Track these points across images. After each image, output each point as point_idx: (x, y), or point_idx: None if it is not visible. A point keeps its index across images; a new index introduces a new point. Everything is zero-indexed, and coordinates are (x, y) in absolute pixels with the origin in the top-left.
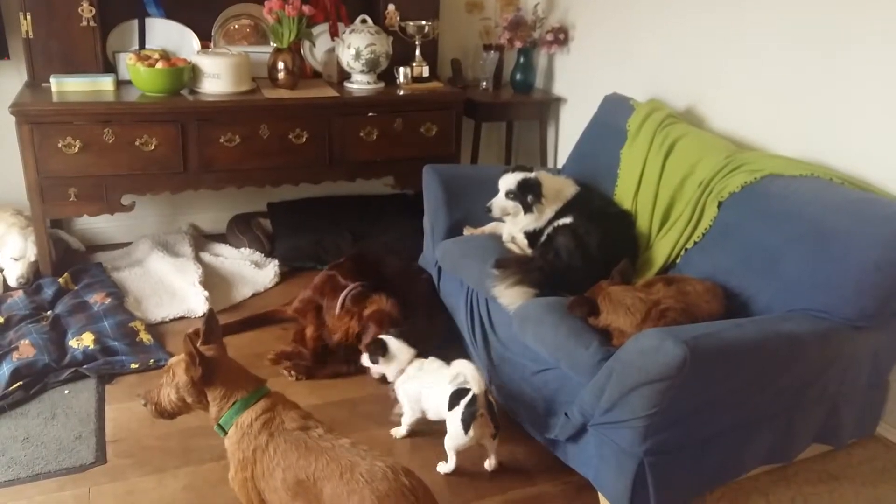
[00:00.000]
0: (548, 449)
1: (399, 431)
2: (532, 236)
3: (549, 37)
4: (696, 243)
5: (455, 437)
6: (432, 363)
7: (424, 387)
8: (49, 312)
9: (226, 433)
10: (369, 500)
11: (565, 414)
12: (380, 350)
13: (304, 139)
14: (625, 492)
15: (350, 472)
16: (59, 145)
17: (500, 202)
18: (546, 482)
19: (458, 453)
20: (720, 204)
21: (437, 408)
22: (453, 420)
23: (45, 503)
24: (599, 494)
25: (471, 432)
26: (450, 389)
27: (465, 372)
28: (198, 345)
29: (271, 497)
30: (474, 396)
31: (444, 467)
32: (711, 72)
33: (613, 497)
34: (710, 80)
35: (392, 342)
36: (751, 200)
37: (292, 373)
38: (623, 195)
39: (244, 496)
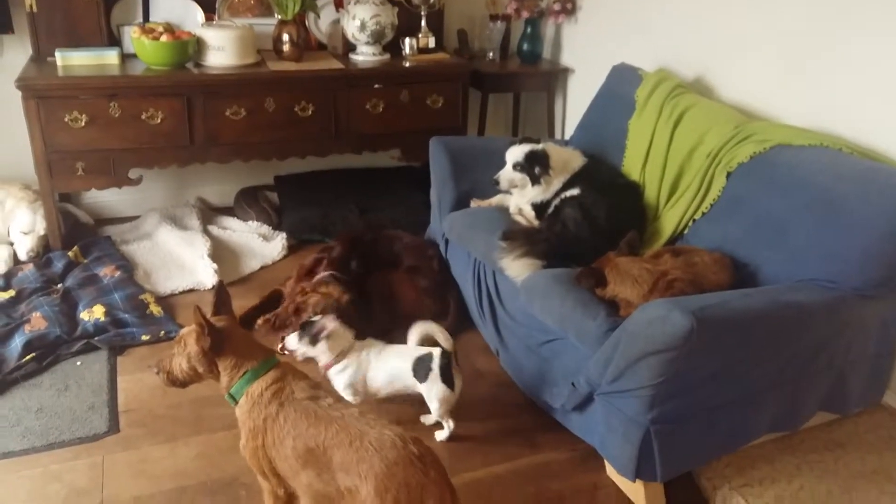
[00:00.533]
0: (554, 418)
1: None
2: (539, 208)
3: (557, 6)
4: (704, 214)
5: (442, 399)
6: (382, 345)
7: (371, 369)
8: (59, 285)
9: (236, 402)
10: (378, 467)
11: (572, 384)
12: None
13: (310, 112)
14: (631, 459)
15: (359, 440)
16: (66, 119)
17: (507, 174)
18: (552, 450)
19: (451, 413)
20: (728, 174)
21: (392, 383)
22: (433, 384)
23: (59, 471)
24: (606, 462)
25: (456, 385)
26: (410, 361)
27: (428, 330)
28: (208, 315)
29: (282, 465)
30: (444, 350)
31: (442, 434)
32: (721, 41)
33: (620, 464)
34: (719, 50)
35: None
36: (759, 170)
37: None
38: (631, 166)
39: (255, 464)
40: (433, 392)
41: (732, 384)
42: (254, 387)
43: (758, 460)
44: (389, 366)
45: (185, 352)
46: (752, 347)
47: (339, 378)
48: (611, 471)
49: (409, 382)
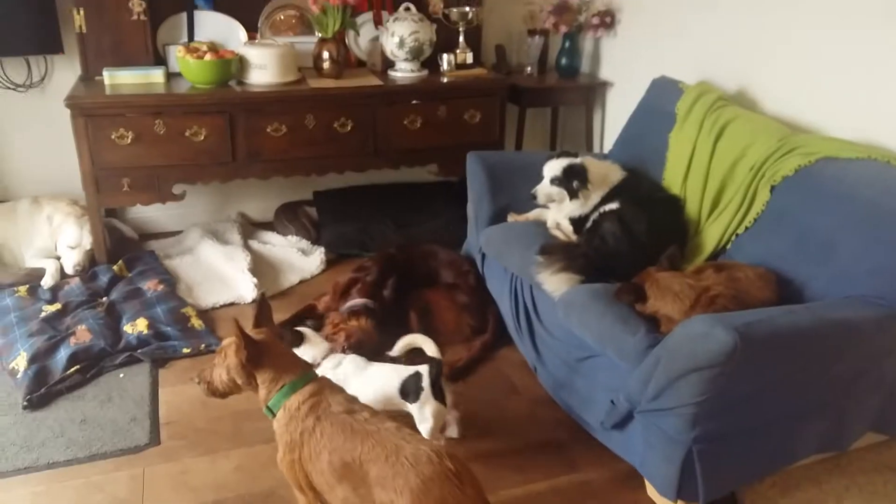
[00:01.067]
0: (594, 436)
1: None
2: (578, 222)
3: (595, 20)
4: (747, 229)
5: (436, 415)
6: (364, 362)
7: (350, 386)
8: (104, 299)
9: (274, 416)
10: (414, 482)
11: (611, 401)
12: (297, 339)
13: (349, 128)
14: (672, 479)
15: (395, 455)
16: (113, 137)
17: (545, 188)
18: (592, 469)
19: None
20: (773, 188)
21: (375, 403)
22: (426, 402)
23: (101, 483)
24: (646, 482)
25: (447, 398)
26: (397, 382)
27: (413, 342)
28: (249, 328)
29: (318, 479)
30: (434, 360)
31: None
32: (763, 52)
33: (661, 485)
34: (761, 61)
35: (309, 333)
36: (805, 184)
37: None
38: (672, 180)
39: (292, 477)
40: (426, 411)
41: (777, 403)
42: (291, 400)
43: (804, 481)
44: (375, 387)
45: (224, 363)
46: (797, 365)
47: None
48: (651, 491)
49: (397, 402)
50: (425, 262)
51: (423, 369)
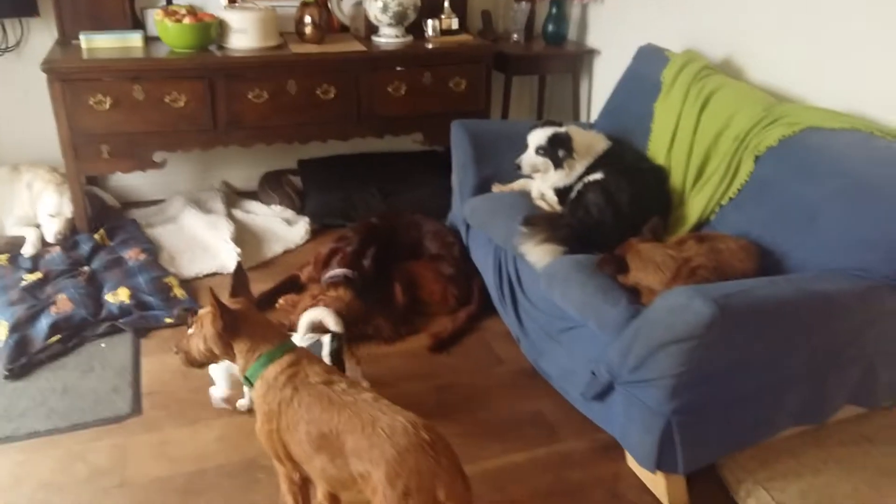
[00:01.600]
0: (575, 407)
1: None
2: (562, 193)
3: None
4: (731, 199)
5: None
6: None
7: None
8: (86, 268)
9: (252, 386)
10: (389, 453)
11: (592, 372)
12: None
13: (332, 95)
14: (651, 450)
15: (371, 426)
16: (90, 102)
17: (529, 158)
18: (573, 439)
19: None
20: (757, 158)
21: None
22: None
23: (82, 452)
24: (626, 453)
25: (348, 369)
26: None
27: (317, 316)
28: (225, 298)
29: (295, 449)
30: (335, 334)
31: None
32: (750, 21)
33: (640, 456)
34: (748, 30)
35: None
36: (788, 154)
37: None
38: (656, 150)
39: (270, 448)
40: None
41: (756, 375)
42: (269, 370)
43: (783, 453)
44: None
45: (201, 333)
46: (777, 337)
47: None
48: (631, 462)
49: None
50: (409, 233)
51: (325, 338)
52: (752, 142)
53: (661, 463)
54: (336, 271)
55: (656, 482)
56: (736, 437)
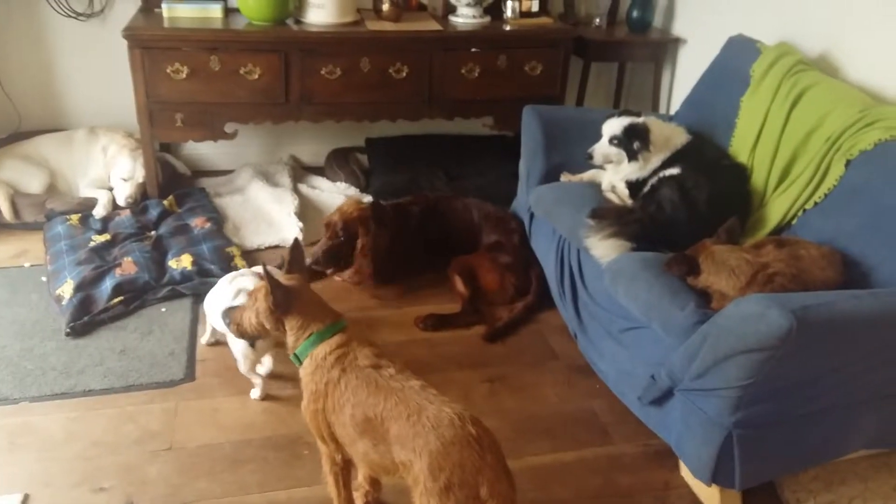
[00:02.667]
0: (630, 410)
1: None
2: (634, 186)
3: None
4: (816, 204)
5: (244, 354)
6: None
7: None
8: (153, 233)
9: (301, 364)
10: (434, 444)
11: (652, 376)
12: None
13: (404, 74)
14: (708, 463)
15: (417, 415)
16: (168, 70)
17: (602, 148)
18: (624, 442)
19: (263, 376)
20: (848, 162)
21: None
22: (234, 339)
23: (134, 413)
24: (681, 462)
25: (258, 343)
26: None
27: (247, 283)
28: (281, 273)
29: (340, 431)
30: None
31: (254, 392)
32: (850, 15)
33: (695, 467)
34: (849, 24)
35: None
36: (884, 160)
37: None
38: (739, 147)
39: (315, 427)
40: (236, 346)
41: (829, 392)
42: (318, 349)
43: (849, 476)
44: (211, 300)
45: (254, 307)
46: (855, 354)
47: None
48: (685, 472)
49: (222, 330)
50: (469, 214)
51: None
52: (845, 144)
53: (718, 476)
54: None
55: (710, 495)
56: (800, 455)
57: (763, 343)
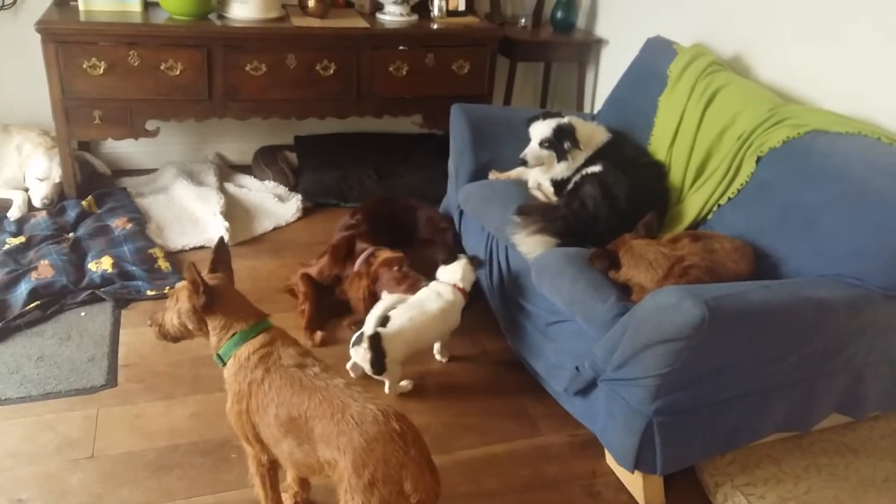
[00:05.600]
0: (557, 401)
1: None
2: (559, 184)
3: None
4: (730, 199)
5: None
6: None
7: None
8: (70, 234)
9: (224, 364)
10: (357, 441)
11: (576, 368)
12: None
13: (332, 71)
14: (631, 450)
15: (341, 412)
16: (84, 66)
17: (534, 152)
18: (552, 433)
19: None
20: (759, 159)
21: None
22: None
23: (53, 422)
24: (606, 450)
25: (352, 353)
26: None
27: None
28: (204, 273)
29: (265, 432)
30: (361, 333)
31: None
32: (761, 17)
33: (619, 454)
34: (759, 26)
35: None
36: (791, 157)
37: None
38: (658, 145)
39: (239, 428)
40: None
41: (743, 379)
42: (242, 349)
43: (764, 459)
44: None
45: (176, 307)
46: (766, 342)
47: None
48: (610, 460)
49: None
50: (405, 216)
51: (365, 339)
52: (756, 142)
53: (640, 463)
54: (365, 251)
55: (634, 482)
56: (718, 441)
57: (678, 333)
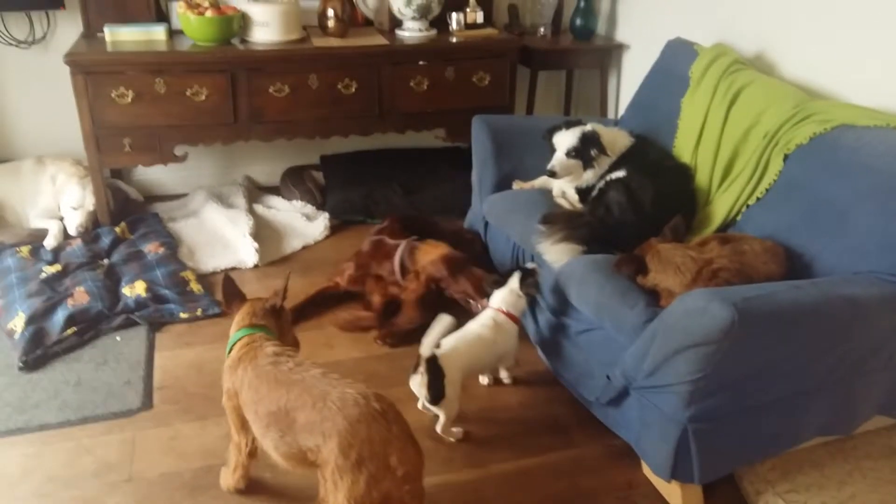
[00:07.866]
0: (591, 412)
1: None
2: (583, 191)
3: None
4: (758, 199)
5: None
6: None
7: None
8: (105, 261)
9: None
10: (341, 424)
11: (607, 376)
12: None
13: (354, 89)
14: (667, 458)
15: (322, 400)
16: (113, 95)
17: (562, 162)
18: (587, 444)
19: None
20: (786, 157)
21: None
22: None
23: (91, 446)
24: (642, 460)
25: (411, 382)
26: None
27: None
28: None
29: (252, 426)
30: (420, 356)
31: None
32: (784, 14)
33: (655, 464)
34: (781, 23)
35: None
36: (819, 153)
37: (387, 341)
38: (682, 148)
39: (232, 420)
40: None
41: (779, 382)
42: (233, 352)
43: (805, 465)
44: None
45: None
46: (800, 343)
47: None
48: (647, 469)
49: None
50: (429, 233)
51: (422, 361)
52: (782, 140)
53: (677, 472)
54: (401, 245)
55: (672, 491)
56: (756, 447)
57: (708, 336)
